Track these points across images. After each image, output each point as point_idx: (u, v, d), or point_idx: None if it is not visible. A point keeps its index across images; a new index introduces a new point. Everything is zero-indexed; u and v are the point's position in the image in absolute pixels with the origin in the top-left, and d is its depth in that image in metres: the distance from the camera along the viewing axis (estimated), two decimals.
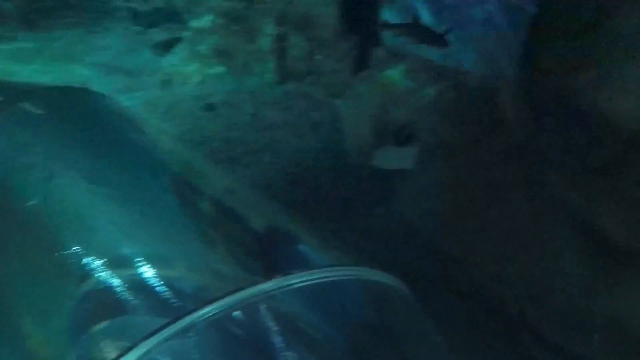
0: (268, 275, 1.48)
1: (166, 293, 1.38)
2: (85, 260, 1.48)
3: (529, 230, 3.07)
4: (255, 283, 1.33)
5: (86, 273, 1.45)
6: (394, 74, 4.78)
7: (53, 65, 6.20)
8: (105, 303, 1.41)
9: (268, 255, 1.63)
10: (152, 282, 1.40)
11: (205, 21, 5.57)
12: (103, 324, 1.36)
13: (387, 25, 3.85)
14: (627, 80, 2.28)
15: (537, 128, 2.94)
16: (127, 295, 1.40)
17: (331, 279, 1.46)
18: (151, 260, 1.48)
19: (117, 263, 1.50)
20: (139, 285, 1.41)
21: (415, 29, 3.64)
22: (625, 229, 2.51)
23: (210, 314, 1.21)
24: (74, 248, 1.51)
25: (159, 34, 7.12)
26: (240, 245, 1.63)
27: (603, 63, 2.33)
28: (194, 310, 1.21)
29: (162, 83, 5.62)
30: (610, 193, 2.51)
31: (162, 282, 1.40)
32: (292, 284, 1.36)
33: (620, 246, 2.54)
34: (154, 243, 1.60)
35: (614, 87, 2.32)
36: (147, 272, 1.42)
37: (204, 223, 1.73)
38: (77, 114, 2.30)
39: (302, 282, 1.38)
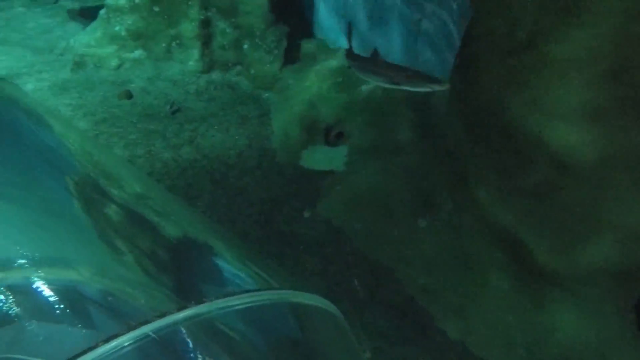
0: (178, 291, 1.38)
1: (67, 297, 1.26)
2: None
3: (456, 243, 3.03)
4: (178, 307, 1.21)
5: None
6: (326, 69, 4.61)
7: None
8: None
9: (180, 269, 1.48)
10: (49, 285, 1.28)
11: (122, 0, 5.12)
12: None
13: (350, 56, 3.45)
14: (558, 104, 2.24)
15: (468, 140, 2.89)
16: (20, 301, 1.27)
17: (257, 304, 1.35)
18: (49, 263, 1.35)
19: (9, 266, 1.35)
20: (34, 290, 1.28)
21: (379, 65, 3.23)
22: (550, 250, 2.51)
23: (132, 341, 1.10)
24: None
25: (72, 5, 6.58)
26: (149, 257, 1.48)
27: (535, 85, 2.28)
28: (115, 336, 1.09)
29: (74, 65, 5.14)
30: (537, 215, 2.50)
31: (62, 286, 1.28)
32: (214, 310, 1.26)
33: (544, 266, 2.54)
34: (53, 246, 1.45)
35: (545, 111, 2.28)
36: (45, 274, 1.30)
37: (110, 231, 1.56)
38: None
39: (225, 307, 1.27)
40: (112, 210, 1.63)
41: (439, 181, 3.25)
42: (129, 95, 4.81)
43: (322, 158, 4.12)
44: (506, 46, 2.39)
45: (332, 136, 4.27)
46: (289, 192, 3.91)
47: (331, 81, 4.48)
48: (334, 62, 4.63)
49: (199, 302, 1.32)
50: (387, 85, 3.09)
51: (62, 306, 1.26)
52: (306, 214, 3.73)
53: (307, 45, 4.97)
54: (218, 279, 1.50)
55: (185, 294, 1.38)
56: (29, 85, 4.91)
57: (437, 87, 2.87)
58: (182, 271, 1.46)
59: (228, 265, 1.59)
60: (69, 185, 1.67)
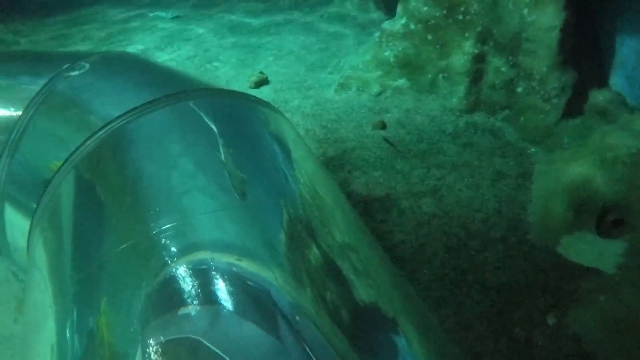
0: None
1: (263, 299, 1.30)
2: (173, 244, 1.43)
3: None
4: None
5: (172, 258, 1.39)
6: (617, 132, 3.66)
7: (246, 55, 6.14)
8: (188, 289, 1.33)
9: (354, 338, 1.38)
10: (248, 280, 1.34)
11: (398, 25, 4.91)
12: (182, 310, 1.27)
13: None
14: None
15: None
16: (221, 287, 1.32)
17: None
18: (253, 257, 1.42)
19: (217, 250, 1.44)
20: (235, 279, 1.34)
21: None
22: None
23: None
24: (164, 228, 1.47)
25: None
26: (330, 313, 1.42)
27: None
28: None
29: (338, 86, 5.16)
30: None
31: (260, 285, 1.33)
32: None
33: None
34: (256, 246, 1.50)
35: None
36: (247, 267, 1.37)
37: (303, 274, 1.53)
38: (229, 124, 2.07)
39: None
40: (312, 255, 1.59)
41: None
42: (383, 126, 4.61)
43: (588, 250, 3.27)
44: None
45: (607, 223, 3.36)
46: (535, 284, 3.19)
47: (623, 150, 3.53)
48: (633, 126, 3.65)
49: None
50: None
51: (257, 306, 1.27)
52: (550, 320, 2.98)
53: (597, 97, 4.05)
54: None
55: None
56: (295, 102, 5.10)
57: None
58: (355, 340, 1.37)
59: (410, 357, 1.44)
60: (283, 216, 1.68)
